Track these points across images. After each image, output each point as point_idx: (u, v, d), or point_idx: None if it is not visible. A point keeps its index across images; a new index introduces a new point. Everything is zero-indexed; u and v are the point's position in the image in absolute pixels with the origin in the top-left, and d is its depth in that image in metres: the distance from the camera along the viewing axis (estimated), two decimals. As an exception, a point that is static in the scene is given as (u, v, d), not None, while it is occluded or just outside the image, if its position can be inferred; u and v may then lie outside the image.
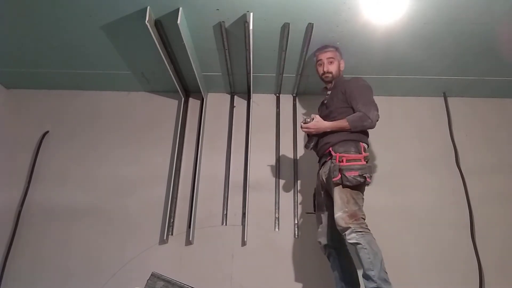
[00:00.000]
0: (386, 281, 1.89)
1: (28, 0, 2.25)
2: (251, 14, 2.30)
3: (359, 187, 2.07)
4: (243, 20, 2.35)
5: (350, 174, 2.03)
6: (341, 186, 2.05)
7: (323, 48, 2.48)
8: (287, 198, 2.82)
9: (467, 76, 2.92)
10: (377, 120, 2.18)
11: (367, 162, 2.12)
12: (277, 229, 2.73)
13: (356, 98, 2.22)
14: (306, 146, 2.36)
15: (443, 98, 3.15)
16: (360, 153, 2.13)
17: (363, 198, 2.11)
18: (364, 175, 2.03)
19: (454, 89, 3.08)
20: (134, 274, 2.54)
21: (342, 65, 2.45)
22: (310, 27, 2.42)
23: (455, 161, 2.94)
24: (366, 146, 2.23)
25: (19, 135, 3.00)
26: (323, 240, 2.23)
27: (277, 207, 2.79)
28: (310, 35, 2.47)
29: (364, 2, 2.26)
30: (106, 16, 2.37)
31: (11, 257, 2.63)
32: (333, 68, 2.40)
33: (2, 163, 2.91)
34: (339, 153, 2.12)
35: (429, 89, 3.08)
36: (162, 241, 2.67)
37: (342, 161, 2.08)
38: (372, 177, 2.11)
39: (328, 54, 2.43)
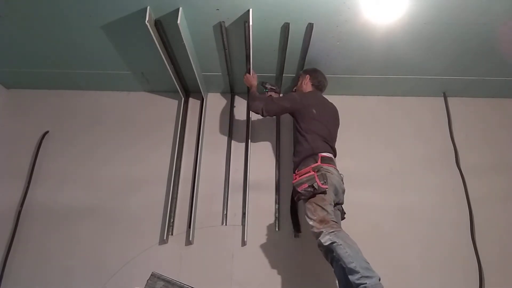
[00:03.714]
0: (368, 269, 1.89)
1: (28, 0, 2.25)
2: (251, 14, 2.29)
3: (320, 195, 2.13)
4: (243, 20, 2.35)
5: (301, 188, 2.16)
6: (302, 200, 2.21)
7: None
8: (287, 198, 2.81)
9: (467, 76, 2.92)
10: (257, 112, 2.58)
11: (317, 171, 2.17)
12: (277, 229, 2.73)
13: None
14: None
15: (443, 98, 3.15)
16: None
17: (330, 204, 2.15)
18: (312, 184, 2.11)
19: (454, 89, 3.08)
20: (134, 274, 2.54)
21: (305, 81, 2.66)
22: (310, 27, 2.42)
23: (455, 161, 2.95)
24: (327, 154, 2.31)
25: (19, 135, 3.00)
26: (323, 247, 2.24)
27: (277, 207, 2.78)
28: (310, 35, 2.48)
29: (364, 2, 2.26)
30: (106, 16, 2.37)
31: (11, 257, 2.62)
32: (297, 87, 2.75)
33: (2, 163, 2.91)
34: (299, 170, 2.28)
35: (429, 89, 3.08)
36: (162, 241, 2.67)
37: (295, 179, 2.24)
38: (326, 182, 2.13)
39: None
